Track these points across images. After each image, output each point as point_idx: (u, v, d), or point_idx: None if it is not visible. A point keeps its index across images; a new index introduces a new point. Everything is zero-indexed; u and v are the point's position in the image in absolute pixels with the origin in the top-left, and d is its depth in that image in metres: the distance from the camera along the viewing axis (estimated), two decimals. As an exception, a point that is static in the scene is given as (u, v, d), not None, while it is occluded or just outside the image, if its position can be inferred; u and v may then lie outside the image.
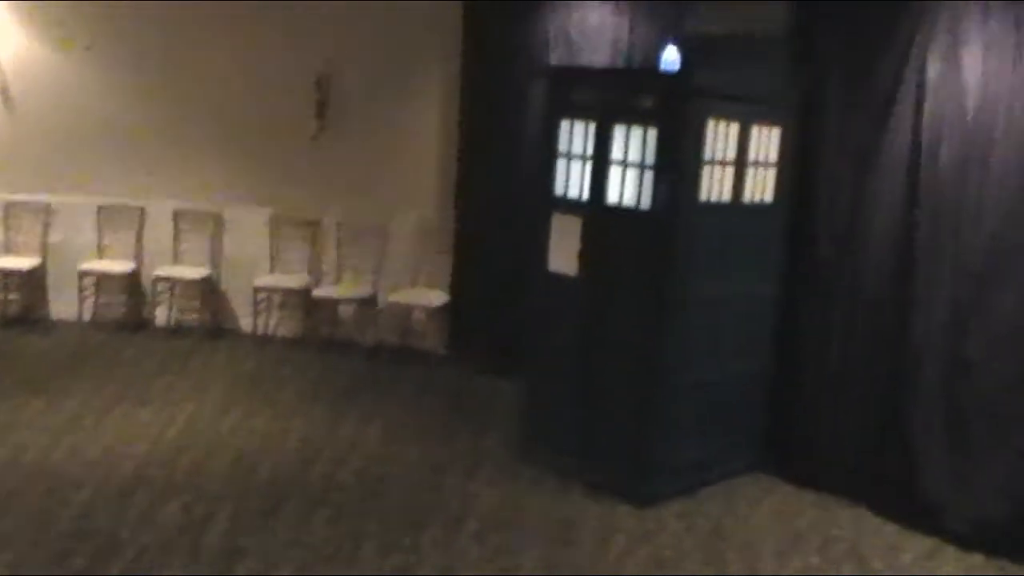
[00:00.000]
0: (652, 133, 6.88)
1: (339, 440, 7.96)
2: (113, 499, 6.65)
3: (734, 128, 7.06)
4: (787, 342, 7.72)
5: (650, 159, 6.89)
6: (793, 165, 7.50)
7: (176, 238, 10.84)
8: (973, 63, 6.67)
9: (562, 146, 7.42)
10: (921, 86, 6.91)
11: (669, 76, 7.41)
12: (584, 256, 7.28)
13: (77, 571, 5.74)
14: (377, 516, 6.67)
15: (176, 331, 10.73)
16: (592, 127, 7.20)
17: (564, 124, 7.41)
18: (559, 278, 7.46)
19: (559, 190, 7.46)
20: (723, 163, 7.05)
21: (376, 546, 6.25)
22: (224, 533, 6.28)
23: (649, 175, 6.90)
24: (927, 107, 6.88)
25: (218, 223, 10.83)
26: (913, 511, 6.97)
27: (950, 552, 6.66)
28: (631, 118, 6.99)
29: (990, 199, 6.63)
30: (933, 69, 6.84)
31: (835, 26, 7.43)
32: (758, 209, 7.41)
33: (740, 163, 7.16)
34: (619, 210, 7.10)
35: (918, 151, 6.94)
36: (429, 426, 8.41)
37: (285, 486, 7.06)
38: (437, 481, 7.32)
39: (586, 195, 7.26)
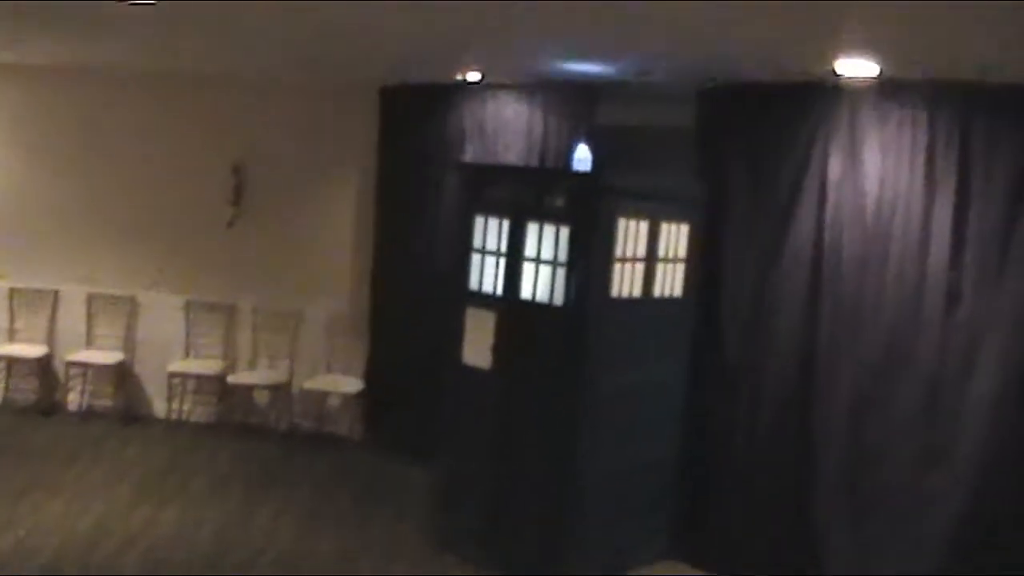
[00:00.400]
0: (564, 230, 7.05)
1: (253, 532, 7.93)
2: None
3: (644, 225, 7.25)
4: (696, 432, 7.88)
5: (563, 256, 7.05)
6: (701, 260, 7.72)
7: (89, 322, 10.78)
8: (872, 161, 6.96)
9: (476, 241, 7.57)
10: (823, 184, 7.18)
11: (580, 175, 7.61)
12: (498, 350, 7.39)
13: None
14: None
15: (88, 416, 10.62)
16: (506, 223, 7.36)
17: (479, 219, 7.56)
18: (473, 371, 7.57)
19: (473, 284, 7.59)
20: (633, 259, 7.23)
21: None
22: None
23: (561, 272, 7.07)
24: (829, 205, 7.15)
25: (133, 307, 10.79)
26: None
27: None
28: (544, 215, 7.15)
29: (889, 294, 6.89)
30: (834, 167, 7.12)
31: (739, 124, 7.70)
32: (668, 303, 7.60)
33: (650, 259, 7.35)
34: (532, 305, 7.25)
35: (820, 248, 7.21)
36: (344, 514, 8.41)
37: (199, 581, 7.03)
38: (351, 571, 7.33)
39: (500, 290, 7.40)
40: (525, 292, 7.28)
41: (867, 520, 7.02)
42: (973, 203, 6.59)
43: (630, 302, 7.28)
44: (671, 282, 7.60)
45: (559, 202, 7.08)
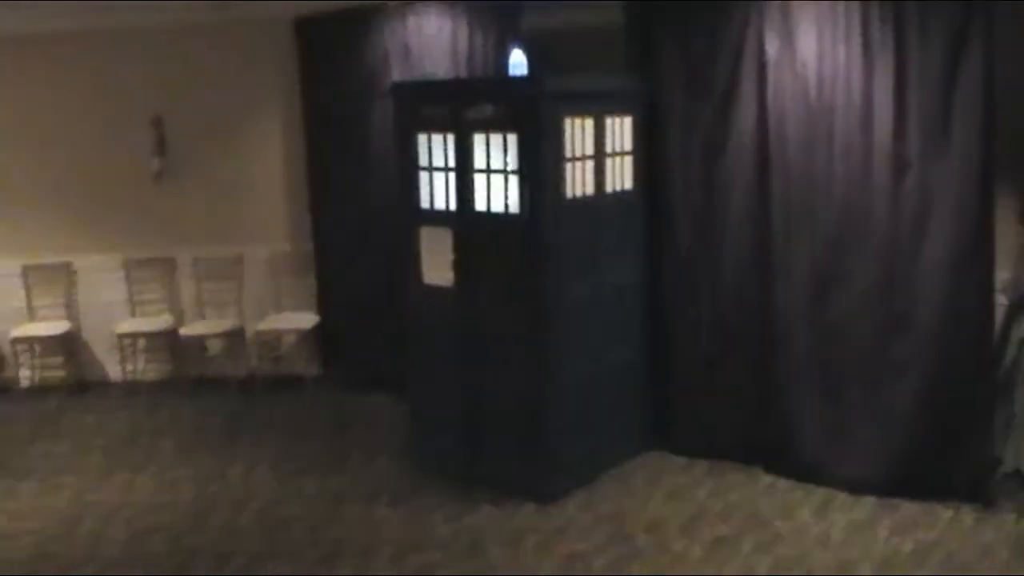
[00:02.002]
0: (512, 137, 6.93)
1: (232, 485, 7.82)
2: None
3: (589, 123, 7.15)
4: (659, 323, 7.88)
5: (513, 163, 6.94)
6: (647, 152, 7.64)
7: (28, 295, 10.48)
8: (808, 39, 6.91)
9: (422, 159, 7.41)
10: (761, 66, 7.12)
11: (521, 80, 7.46)
12: (458, 266, 7.28)
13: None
14: (288, 557, 6.58)
15: (41, 391, 10.40)
16: (451, 138, 7.22)
17: (421, 138, 7.40)
18: (434, 290, 7.48)
19: (424, 203, 7.45)
20: (583, 158, 7.13)
21: (292, 589, 6.20)
22: (136, 600, 6.14)
23: (514, 180, 6.95)
24: (769, 86, 7.10)
25: (69, 274, 10.51)
26: (799, 469, 7.23)
27: (842, 499, 6.93)
28: (488, 125, 7.02)
29: (837, 169, 6.89)
30: (770, 48, 7.04)
31: (670, 16, 7.58)
32: (621, 197, 7.52)
33: (599, 155, 7.27)
34: (488, 217, 7.14)
35: (765, 129, 7.17)
36: (318, 455, 8.30)
37: (188, 541, 6.89)
38: (339, 512, 7.24)
39: (453, 206, 7.27)
40: (479, 205, 7.17)
41: (837, 394, 7.10)
42: (911, 70, 6.59)
43: (585, 201, 7.20)
44: (621, 176, 7.52)
45: (503, 110, 6.93)
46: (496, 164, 7.02)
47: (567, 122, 6.96)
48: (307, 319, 10.13)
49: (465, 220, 7.23)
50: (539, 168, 6.87)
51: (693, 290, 7.68)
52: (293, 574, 6.36)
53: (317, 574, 6.34)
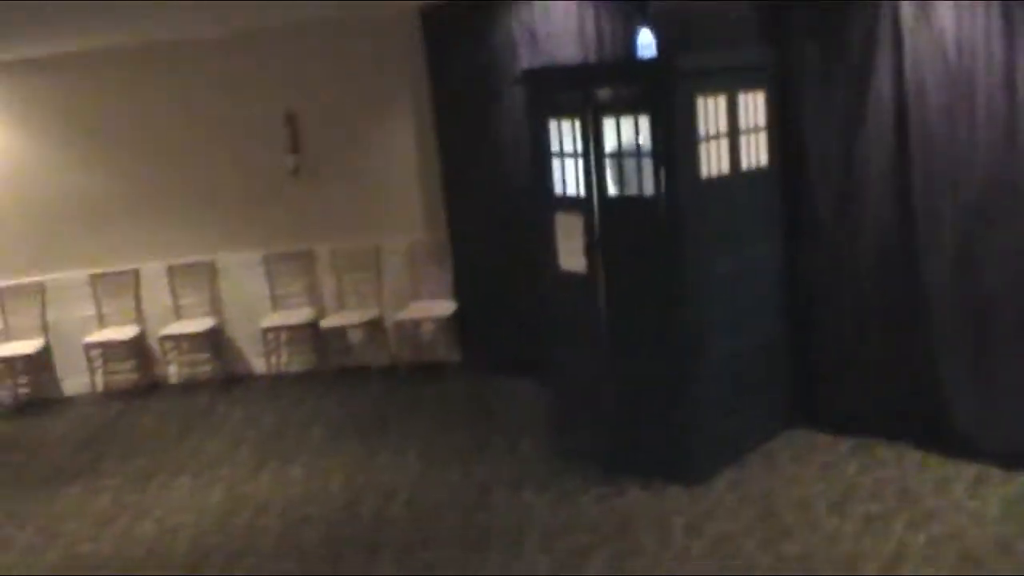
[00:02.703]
0: (644, 120, 6.88)
1: (380, 474, 7.94)
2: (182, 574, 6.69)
3: (722, 100, 7.06)
4: (801, 299, 7.75)
5: (645, 146, 6.89)
6: (780, 126, 7.52)
7: (174, 294, 10.80)
8: (946, 4, 6.68)
9: (553, 146, 7.42)
10: (897, 32, 6.91)
11: (651, 61, 7.39)
12: (591, 251, 7.27)
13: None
14: (439, 546, 6.68)
15: (190, 387, 10.72)
16: (579, 123, 7.18)
17: (552, 124, 7.40)
18: (571, 275, 7.47)
19: (558, 189, 7.46)
20: (717, 136, 7.05)
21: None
22: (297, 589, 6.30)
23: (647, 162, 6.90)
24: (906, 52, 6.88)
25: (212, 272, 10.78)
26: (950, 443, 7.05)
27: (996, 475, 6.73)
28: (619, 109, 6.98)
29: (980, 135, 6.64)
30: (907, 14, 6.84)
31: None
32: (756, 175, 7.42)
33: (733, 133, 7.17)
34: (622, 200, 7.12)
35: (903, 98, 6.95)
36: (463, 442, 8.38)
37: (340, 531, 7.05)
38: (487, 498, 7.31)
39: (585, 191, 7.25)
40: (612, 189, 7.15)
41: (988, 367, 6.88)
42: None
43: (720, 180, 7.12)
44: (756, 153, 7.41)
45: (635, 92, 6.89)
46: (628, 147, 6.99)
47: (699, 101, 6.88)
48: (445, 306, 10.23)
49: (599, 205, 7.20)
50: (673, 149, 6.80)
51: (835, 265, 7.52)
52: (444, 561, 6.44)
53: (469, 560, 6.42)
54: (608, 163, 7.12)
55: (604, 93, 7.04)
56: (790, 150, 7.55)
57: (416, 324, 10.36)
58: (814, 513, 6.50)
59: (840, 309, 7.58)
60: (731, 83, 7.16)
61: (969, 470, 6.83)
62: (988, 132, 6.62)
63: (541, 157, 7.53)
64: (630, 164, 7.03)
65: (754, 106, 7.36)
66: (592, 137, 7.13)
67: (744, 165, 7.30)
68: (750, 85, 7.31)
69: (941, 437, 7.10)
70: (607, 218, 7.20)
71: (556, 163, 7.44)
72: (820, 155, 7.44)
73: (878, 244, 7.28)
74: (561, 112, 7.33)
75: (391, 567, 6.46)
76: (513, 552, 6.46)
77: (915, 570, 5.73)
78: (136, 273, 10.80)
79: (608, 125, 7.07)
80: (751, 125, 7.33)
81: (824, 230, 7.53)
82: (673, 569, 6.07)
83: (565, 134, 7.32)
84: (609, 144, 7.10)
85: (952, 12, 6.64)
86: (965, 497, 6.51)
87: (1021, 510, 6.27)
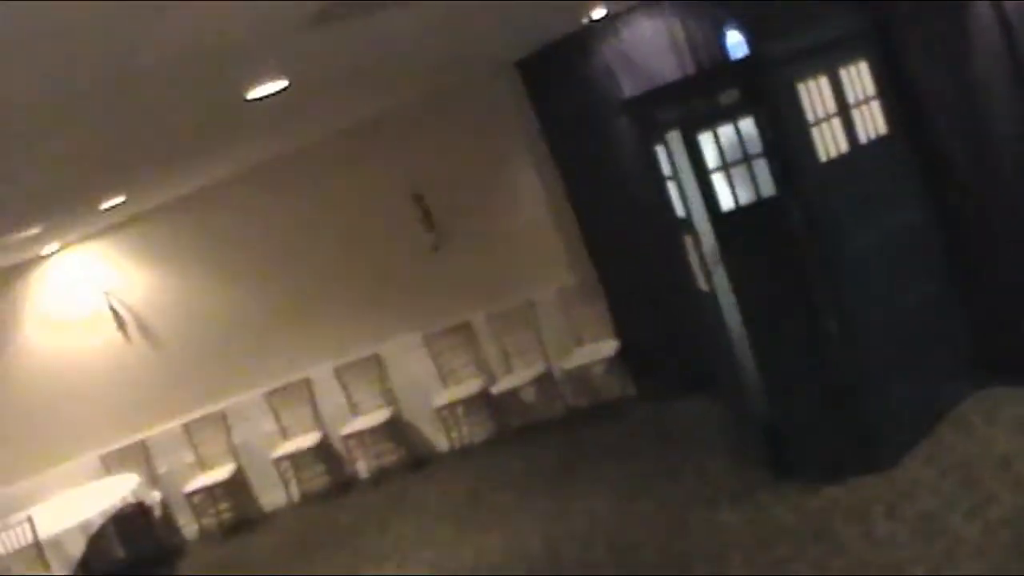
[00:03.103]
0: (748, 122, 6.80)
1: (575, 522, 7.96)
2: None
3: (823, 80, 6.94)
4: (960, 253, 7.50)
5: (755, 148, 6.82)
6: (895, 92, 7.33)
7: (347, 392, 11.04)
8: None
9: (665, 169, 7.41)
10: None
11: (743, 60, 7.33)
12: (708, 271, 7.30)
13: None
14: (645, 580, 6.66)
15: (380, 478, 10.92)
16: (682, 140, 7.16)
17: (659, 147, 7.41)
18: (705, 295, 7.49)
19: (680, 212, 7.44)
20: (828, 118, 6.93)
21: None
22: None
23: (761, 163, 6.82)
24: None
25: (379, 363, 11.00)
26: None
27: None
28: (716, 119, 6.94)
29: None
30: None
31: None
32: (878, 144, 7.24)
33: (843, 109, 7.03)
34: (741, 211, 7.04)
35: (1009, 29, 6.71)
36: (650, 472, 8.33)
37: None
38: (683, 524, 7.25)
39: (701, 208, 7.21)
40: (728, 202, 7.08)
41: None
42: None
43: (842, 159, 6.98)
44: (872, 124, 7.24)
45: (736, 95, 6.84)
46: (735, 156, 6.92)
47: (800, 87, 6.78)
48: (609, 345, 10.22)
49: (712, 222, 7.15)
50: (785, 141, 6.72)
51: (980, 215, 7.28)
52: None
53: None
54: (717, 177, 7.05)
55: (702, 104, 7.00)
56: (909, 112, 7.35)
57: (585, 369, 10.37)
58: (1020, 471, 6.24)
59: (1001, 255, 7.32)
60: (830, 60, 7.02)
61: None
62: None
63: (657, 182, 7.51)
64: (739, 172, 6.95)
65: (859, 77, 7.19)
66: (696, 152, 7.07)
67: (863, 138, 7.14)
68: (850, 56, 7.15)
69: None
70: (724, 233, 7.13)
71: (672, 186, 7.41)
72: (938, 103, 7.22)
73: (1017, 184, 7.03)
74: (665, 133, 7.31)
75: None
76: (718, 572, 6.40)
77: None
78: (307, 381, 11.11)
79: (723, 132, 6.99)
80: (860, 98, 7.16)
81: (964, 178, 7.29)
82: (880, 559, 5.93)
83: (677, 153, 7.28)
84: (712, 159, 7.04)
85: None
86: None
87: None
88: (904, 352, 7.12)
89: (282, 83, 5.95)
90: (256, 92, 5.95)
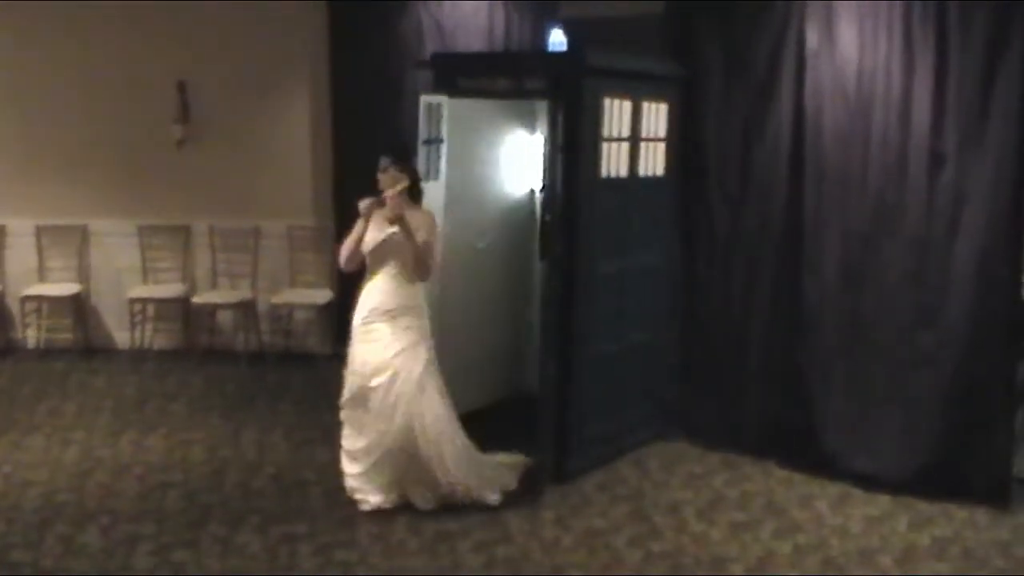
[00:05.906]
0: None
1: (245, 449, 7.80)
2: (29, 529, 6.39)
3: (627, 104, 7.15)
4: (686, 310, 7.91)
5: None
6: (681, 139, 7.64)
7: (41, 255, 10.43)
8: (850, 32, 6.94)
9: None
10: (801, 57, 7.13)
11: (562, 55, 7.44)
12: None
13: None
14: (305, 519, 6.56)
15: (48, 352, 10.34)
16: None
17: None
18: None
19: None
20: (619, 139, 7.13)
21: (311, 549, 6.16)
22: (153, 552, 6.09)
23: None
24: (808, 77, 7.12)
25: (84, 236, 10.46)
26: (816, 461, 7.26)
27: (858, 495, 6.96)
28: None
29: (873, 163, 6.93)
30: (811, 39, 7.07)
31: (711, 4, 7.58)
32: (652, 183, 7.52)
33: (634, 138, 7.26)
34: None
35: (802, 120, 7.20)
36: (332, 427, 8.20)
37: (203, 499, 6.88)
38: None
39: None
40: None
41: (863, 383, 7.12)
42: (951, 69, 6.64)
43: (618, 182, 7.21)
44: (653, 162, 7.51)
45: (541, 84, 6.92)
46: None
47: (606, 100, 6.96)
48: (322, 295, 10.09)
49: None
50: (575, 143, 6.83)
51: (726, 276, 7.70)
52: (309, 534, 6.34)
53: (336, 535, 6.33)
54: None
55: (511, 83, 7.05)
56: (691, 162, 7.68)
57: (289, 310, 10.20)
58: (681, 518, 6.64)
59: (724, 322, 7.76)
60: (637, 89, 7.26)
61: (832, 489, 7.06)
62: (880, 161, 6.91)
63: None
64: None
65: (656, 116, 7.47)
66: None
67: (641, 171, 7.39)
68: (655, 95, 7.41)
69: (808, 455, 7.29)
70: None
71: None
72: (719, 170, 7.61)
73: (767, 262, 7.48)
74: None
75: (254, 536, 6.32)
76: (382, 531, 6.40)
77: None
78: (2, 229, 10.44)
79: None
80: (652, 134, 7.44)
81: (718, 242, 7.70)
82: (542, 558, 6.09)
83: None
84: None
85: (855, 39, 6.89)
86: (829, 512, 6.73)
87: (883, 526, 6.53)
88: (608, 382, 7.41)
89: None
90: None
